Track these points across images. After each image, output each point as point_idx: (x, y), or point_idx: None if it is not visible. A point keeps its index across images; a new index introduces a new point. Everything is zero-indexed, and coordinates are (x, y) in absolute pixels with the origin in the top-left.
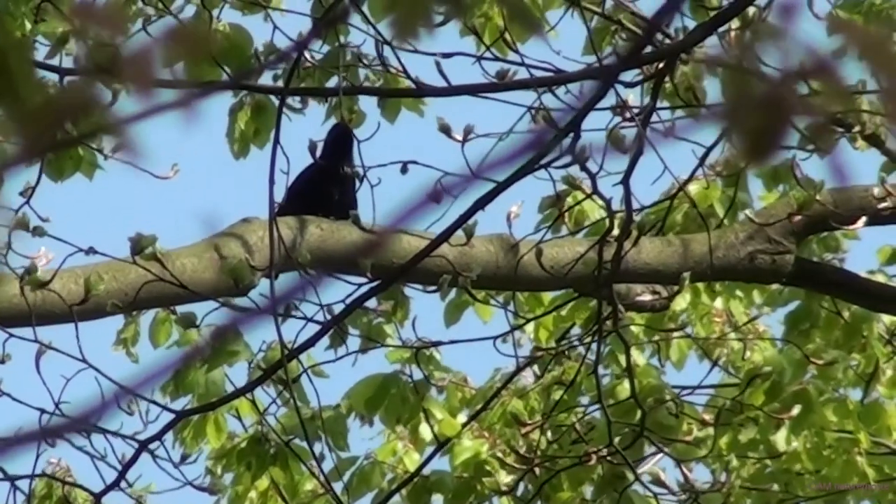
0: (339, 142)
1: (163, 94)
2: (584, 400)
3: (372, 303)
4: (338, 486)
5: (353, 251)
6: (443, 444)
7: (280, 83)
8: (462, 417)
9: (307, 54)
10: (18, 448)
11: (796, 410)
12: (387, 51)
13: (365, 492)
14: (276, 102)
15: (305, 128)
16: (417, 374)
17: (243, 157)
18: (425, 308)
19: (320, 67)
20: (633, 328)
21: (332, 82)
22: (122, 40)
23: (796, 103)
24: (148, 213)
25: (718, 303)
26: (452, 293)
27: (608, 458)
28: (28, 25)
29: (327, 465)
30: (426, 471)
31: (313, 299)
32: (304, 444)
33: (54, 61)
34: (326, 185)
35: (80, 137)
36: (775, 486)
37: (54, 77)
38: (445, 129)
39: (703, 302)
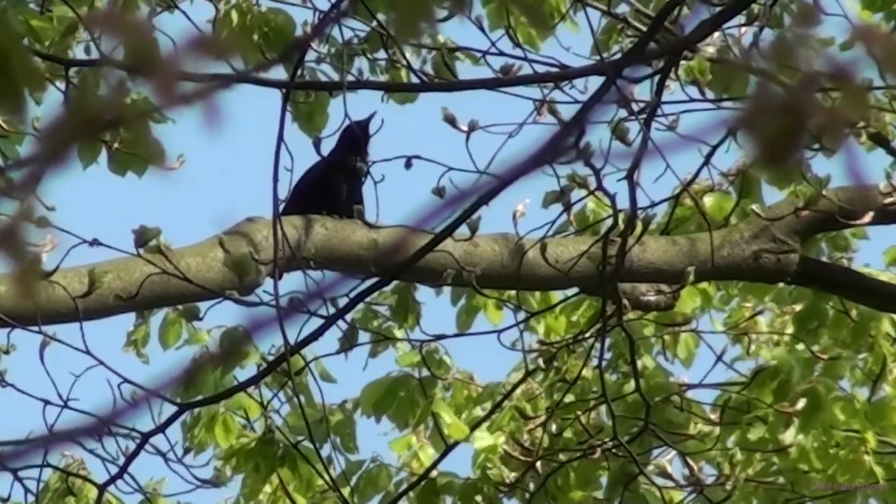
0: (352, 138)
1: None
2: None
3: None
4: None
5: (368, 253)
6: (450, 448)
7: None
8: (475, 412)
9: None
10: (29, 451)
11: (801, 404)
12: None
13: (372, 494)
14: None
15: (353, 114)
16: (426, 374)
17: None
18: (437, 313)
19: (331, 62)
20: (642, 329)
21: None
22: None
23: (814, 108)
24: (179, 209)
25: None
26: (463, 300)
27: (613, 450)
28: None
29: (336, 466)
30: (434, 473)
31: (317, 295)
32: (312, 444)
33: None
34: (336, 180)
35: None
36: (780, 480)
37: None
38: (450, 120)
39: (715, 305)
